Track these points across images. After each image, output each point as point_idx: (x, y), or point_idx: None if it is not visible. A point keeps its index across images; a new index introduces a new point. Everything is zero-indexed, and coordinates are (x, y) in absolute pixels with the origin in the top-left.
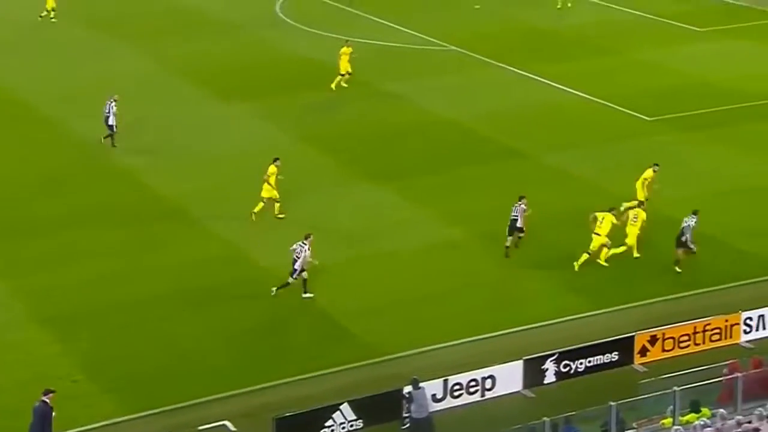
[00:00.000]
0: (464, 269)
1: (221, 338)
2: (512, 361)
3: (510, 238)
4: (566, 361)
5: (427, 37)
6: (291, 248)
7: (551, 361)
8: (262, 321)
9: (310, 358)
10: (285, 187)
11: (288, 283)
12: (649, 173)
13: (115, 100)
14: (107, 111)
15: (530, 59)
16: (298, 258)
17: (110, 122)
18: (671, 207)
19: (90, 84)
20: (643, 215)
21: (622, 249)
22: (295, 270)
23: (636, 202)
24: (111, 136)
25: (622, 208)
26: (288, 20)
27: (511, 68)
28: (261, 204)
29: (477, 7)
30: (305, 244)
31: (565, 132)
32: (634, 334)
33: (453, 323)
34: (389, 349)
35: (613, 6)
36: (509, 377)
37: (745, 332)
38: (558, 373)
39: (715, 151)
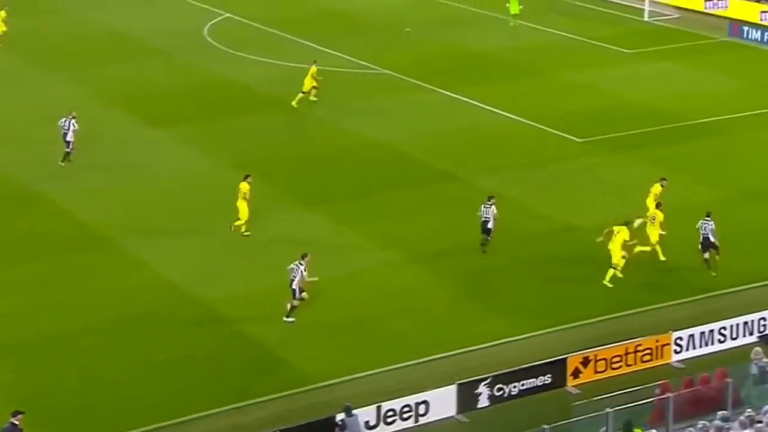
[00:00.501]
0: (397, 294)
1: (150, 368)
2: (445, 385)
3: (483, 235)
4: (500, 385)
5: (358, 61)
6: (288, 268)
7: (484, 384)
8: (191, 350)
9: (242, 386)
10: (216, 213)
11: (294, 306)
12: (657, 188)
13: (74, 117)
14: (66, 127)
15: (462, 82)
16: (294, 278)
17: (68, 138)
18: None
19: (8, 110)
20: (660, 216)
21: (648, 248)
22: (294, 291)
23: (648, 218)
24: (68, 153)
25: (635, 225)
26: (216, 44)
27: (443, 91)
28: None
29: (408, 30)
30: (301, 264)
31: (498, 154)
32: (566, 356)
33: (386, 348)
34: (321, 376)
35: (544, 28)
36: (443, 402)
37: (676, 352)
38: (491, 397)
39: (645, 171)
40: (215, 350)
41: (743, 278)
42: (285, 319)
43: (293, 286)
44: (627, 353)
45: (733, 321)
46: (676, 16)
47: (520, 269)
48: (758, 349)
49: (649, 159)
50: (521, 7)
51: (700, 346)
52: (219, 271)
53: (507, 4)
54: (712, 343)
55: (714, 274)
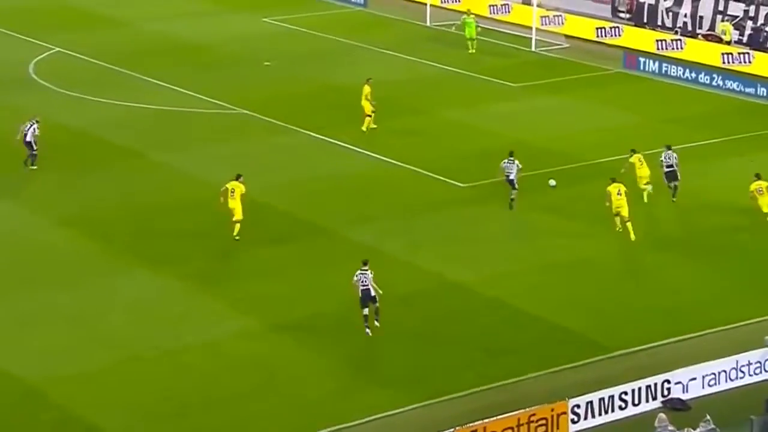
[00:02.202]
0: (258, 367)
1: None
2: None
3: (514, 191)
4: None
5: (210, 99)
6: (354, 280)
7: None
8: None
9: None
10: (41, 279)
11: (377, 308)
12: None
13: (37, 122)
14: (26, 130)
15: (328, 122)
16: (365, 286)
17: (28, 139)
18: (492, 284)
19: None
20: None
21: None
22: (374, 297)
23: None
24: (32, 156)
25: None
26: (43, 82)
27: (307, 132)
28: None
29: (267, 63)
30: (367, 270)
31: (371, 203)
32: (452, 430)
33: (245, 431)
34: None
35: (420, 60)
36: None
37: (573, 422)
38: None
39: (536, 218)
40: None
41: (642, 339)
42: (370, 327)
43: (373, 294)
44: (520, 424)
45: (635, 385)
46: (566, 45)
47: (398, 334)
48: (662, 415)
49: (540, 204)
50: (479, 28)
51: (600, 414)
52: (48, 347)
53: (458, 29)
54: (613, 410)
55: (674, 199)
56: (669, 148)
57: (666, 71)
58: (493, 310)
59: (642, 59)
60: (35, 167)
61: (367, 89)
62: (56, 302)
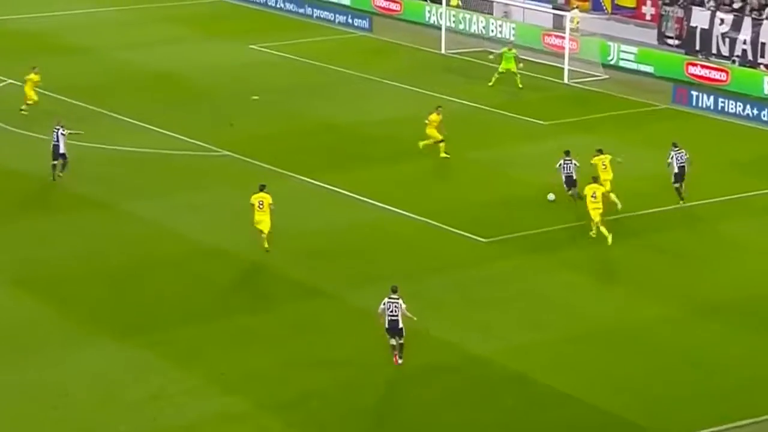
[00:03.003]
0: None
1: None
2: None
3: (573, 189)
4: None
5: (188, 139)
6: (381, 309)
7: None
8: None
9: None
10: None
11: (401, 345)
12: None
13: (62, 126)
14: (56, 140)
15: (327, 165)
16: (394, 316)
17: (62, 150)
18: (517, 356)
19: None
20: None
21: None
22: (401, 330)
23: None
24: (64, 164)
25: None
26: None
27: (302, 177)
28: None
29: (255, 98)
30: (398, 298)
31: (378, 261)
32: None
33: None
34: None
35: (435, 94)
36: None
37: None
38: None
39: (565, 279)
40: None
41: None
42: (399, 361)
43: (401, 326)
44: None
45: None
46: (604, 77)
47: (409, 415)
48: None
49: (572, 262)
50: (520, 64)
51: None
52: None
53: (496, 59)
54: None
55: (682, 202)
56: (676, 146)
57: (723, 108)
58: (519, 387)
59: (695, 93)
60: (61, 175)
61: (435, 117)
62: (2, 381)
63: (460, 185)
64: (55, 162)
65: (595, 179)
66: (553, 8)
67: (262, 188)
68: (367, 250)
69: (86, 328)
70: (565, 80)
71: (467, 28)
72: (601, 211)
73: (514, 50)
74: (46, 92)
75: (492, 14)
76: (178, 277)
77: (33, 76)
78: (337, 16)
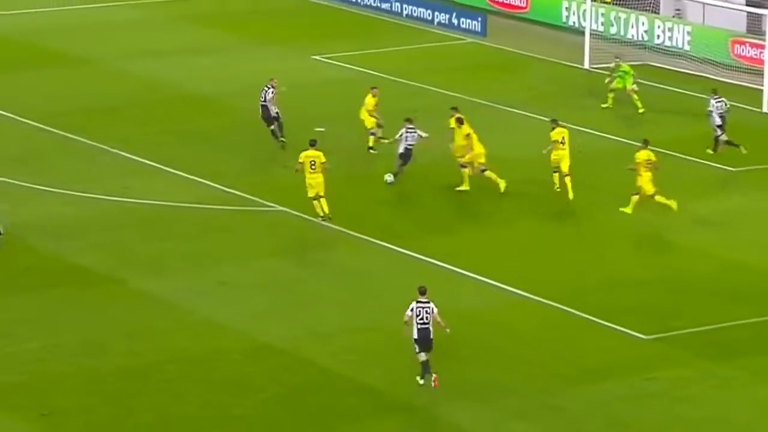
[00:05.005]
0: None
1: None
2: None
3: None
4: None
5: (225, 188)
6: (407, 315)
7: None
8: None
9: None
10: None
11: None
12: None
13: (273, 86)
14: (266, 101)
15: (415, 227)
16: (425, 324)
17: (273, 113)
18: None
19: None
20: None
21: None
22: (431, 341)
23: None
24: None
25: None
26: None
27: (382, 243)
28: None
29: (319, 129)
30: (428, 303)
31: (498, 365)
32: None
33: None
34: None
35: (579, 127)
36: None
37: None
38: None
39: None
40: None
41: None
42: (425, 379)
43: (431, 336)
44: None
45: None
46: None
47: None
48: None
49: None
50: (635, 86)
51: None
52: None
53: (613, 81)
54: None
55: (744, 150)
56: (716, 92)
57: None
58: None
59: None
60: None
61: (371, 101)
62: None
63: (612, 257)
64: (272, 127)
65: (556, 122)
66: (748, 4)
67: (312, 144)
68: (479, 351)
69: None
70: (765, 108)
71: (622, 33)
72: (567, 159)
73: (628, 65)
74: (20, 118)
75: (658, 14)
76: (204, 387)
77: None
78: (437, 14)
